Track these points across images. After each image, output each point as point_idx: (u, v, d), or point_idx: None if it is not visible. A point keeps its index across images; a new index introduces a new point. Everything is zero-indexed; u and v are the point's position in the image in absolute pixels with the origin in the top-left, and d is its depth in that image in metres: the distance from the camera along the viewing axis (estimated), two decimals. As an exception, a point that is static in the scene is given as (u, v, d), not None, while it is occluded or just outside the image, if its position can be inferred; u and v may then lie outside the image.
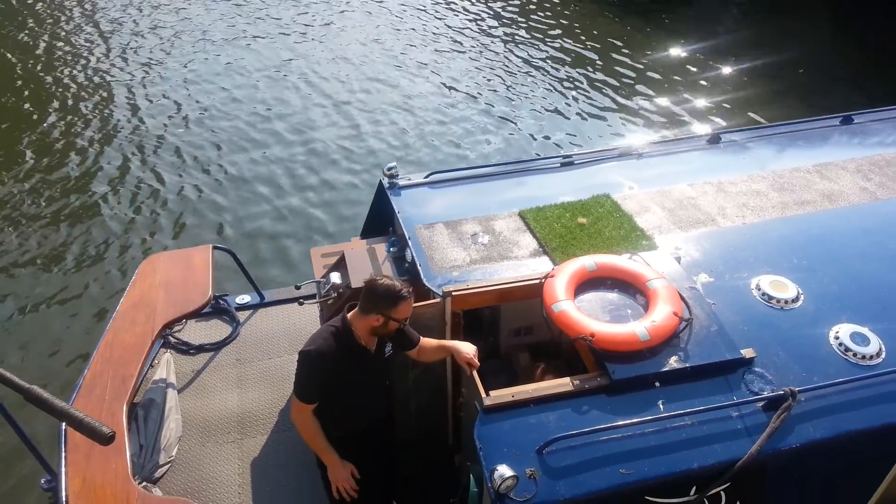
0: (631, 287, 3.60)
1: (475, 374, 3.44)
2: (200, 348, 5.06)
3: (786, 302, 3.61)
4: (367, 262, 4.46)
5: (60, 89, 11.08)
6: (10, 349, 6.44)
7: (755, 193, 4.48)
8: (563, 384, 3.22)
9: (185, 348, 5.09)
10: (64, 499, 3.43)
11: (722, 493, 3.07)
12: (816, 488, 3.27)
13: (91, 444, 3.51)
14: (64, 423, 3.59)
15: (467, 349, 3.49)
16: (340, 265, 4.54)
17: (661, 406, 3.12)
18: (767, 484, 3.12)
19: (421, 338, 3.62)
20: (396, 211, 4.42)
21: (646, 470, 2.94)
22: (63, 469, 3.55)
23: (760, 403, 3.13)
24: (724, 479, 2.98)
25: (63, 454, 3.62)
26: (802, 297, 3.65)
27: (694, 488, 3.00)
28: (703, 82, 11.10)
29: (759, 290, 3.68)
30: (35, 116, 10.27)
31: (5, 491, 5.23)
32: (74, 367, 6.15)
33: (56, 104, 10.62)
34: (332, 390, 3.39)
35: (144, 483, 3.93)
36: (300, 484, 4.23)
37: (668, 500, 3.00)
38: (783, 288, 3.68)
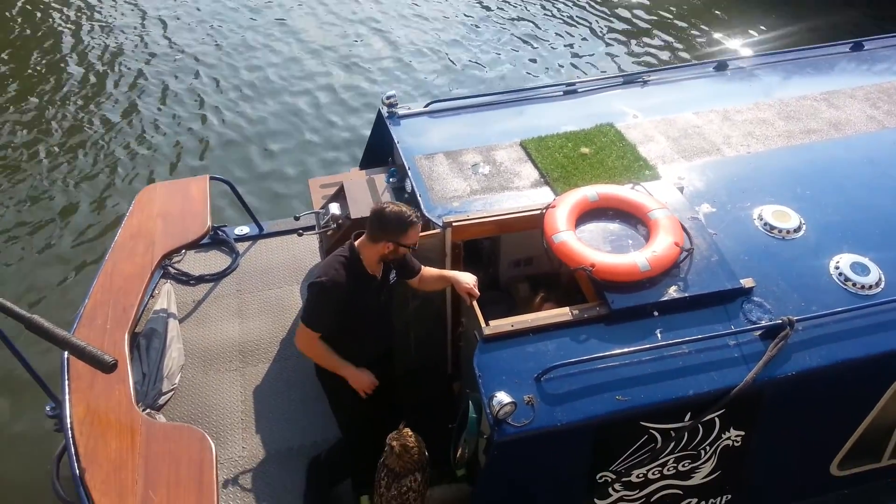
0: (632, 217, 3.57)
1: (475, 304, 3.45)
2: (200, 279, 5.07)
3: (787, 232, 3.59)
4: (366, 192, 4.42)
5: (57, 26, 10.77)
6: (8, 280, 6.46)
7: (761, 122, 4.40)
8: (563, 314, 3.23)
9: (184, 279, 5.10)
10: (69, 425, 3.49)
11: (716, 419, 3.12)
12: (810, 415, 3.34)
13: (94, 373, 3.56)
14: (66, 352, 3.65)
15: (467, 279, 3.49)
16: (339, 196, 4.50)
17: (658, 335, 3.14)
18: (762, 410, 3.17)
19: (422, 267, 3.62)
20: (396, 141, 4.35)
21: (642, 396, 2.98)
22: (67, 396, 3.60)
23: (758, 332, 3.15)
24: (719, 405, 3.02)
25: (66, 382, 3.67)
26: (804, 227, 3.62)
27: (689, 414, 3.06)
28: (716, 11, 10.78)
29: (761, 219, 3.65)
30: (34, 54, 10.02)
31: (11, 418, 5.33)
32: (74, 297, 6.18)
33: (52, 41, 10.33)
34: (342, 320, 3.40)
35: (148, 410, 3.99)
36: (302, 410, 4.31)
37: (663, 425, 3.06)
38: (785, 218, 3.65)
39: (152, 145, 8.20)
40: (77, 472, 3.31)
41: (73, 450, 3.40)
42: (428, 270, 3.63)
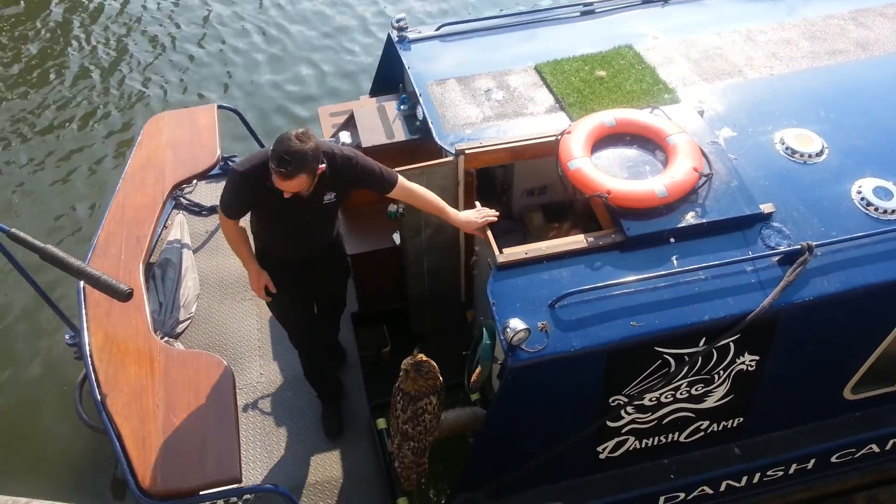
0: (650, 143, 3.48)
1: (489, 232, 3.42)
2: (212, 210, 5.06)
3: (809, 156, 3.50)
4: (377, 120, 4.34)
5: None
6: (21, 212, 6.48)
7: (785, 42, 4.23)
8: (577, 241, 3.20)
9: (196, 209, 5.09)
10: (88, 353, 3.55)
11: (731, 344, 3.12)
12: (825, 340, 3.33)
13: (111, 302, 3.60)
14: (82, 282, 3.68)
15: (472, 217, 3.41)
16: (350, 124, 4.43)
17: (674, 261, 3.11)
18: (777, 336, 3.17)
19: (407, 184, 3.39)
20: (406, 67, 4.23)
21: (657, 322, 2.98)
22: (85, 325, 3.65)
23: (776, 258, 3.11)
24: (734, 330, 3.02)
25: (84, 311, 3.71)
26: (827, 151, 3.53)
27: (703, 340, 3.06)
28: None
29: (783, 143, 3.55)
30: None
31: (31, 348, 5.43)
32: (87, 228, 6.21)
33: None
34: (257, 215, 3.39)
35: (166, 338, 4.06)
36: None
37: (677, 350, 3.06)
38: (807, 142, 3.55)
39: (159, 75, 8.06)
40: (99, 398, 3.39)
41: (93, 377, 3.47)
42: (414, 187, 3.41)
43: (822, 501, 4.28)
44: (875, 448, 3.79)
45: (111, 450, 3.26)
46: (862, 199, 3.32)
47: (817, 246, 3.09)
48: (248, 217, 3.48)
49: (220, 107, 4.92)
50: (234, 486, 3.12)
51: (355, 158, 3.31)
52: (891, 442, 3.80)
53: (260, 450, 3.87)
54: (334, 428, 4.00)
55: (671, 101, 3.79)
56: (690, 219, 3.20)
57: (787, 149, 3.53)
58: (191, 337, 4.33)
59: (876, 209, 3.28)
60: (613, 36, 4.30)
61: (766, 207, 3.24)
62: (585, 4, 4.62)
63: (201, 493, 3.10)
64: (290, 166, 2.99)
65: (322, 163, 3.13)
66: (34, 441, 4.90)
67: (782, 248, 3.12)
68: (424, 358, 3.26)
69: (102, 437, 3.53)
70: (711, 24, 4.40)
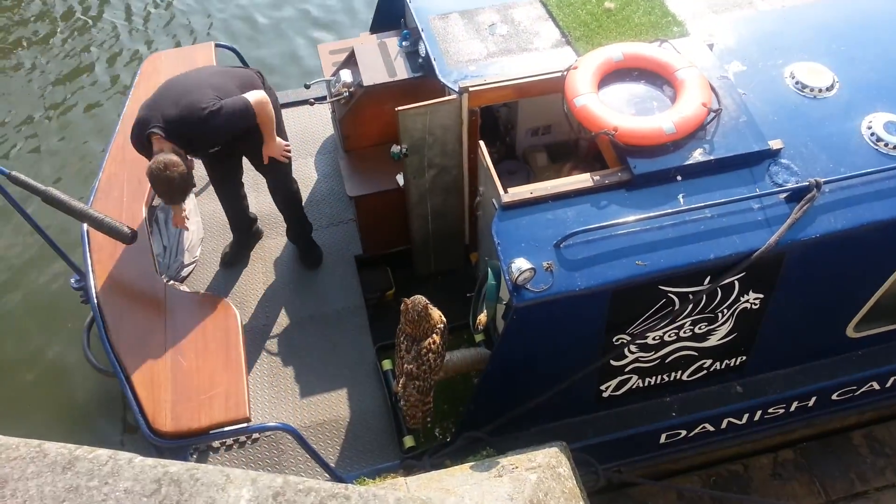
0: (659, 77, 3.40)
1: (493, 171, 3.38)
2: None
3: (819, 90, 3.43)
4: (378, 57, 4.24)
5: None
6: (21, 156, 6.42)
7: (799, -27, 4.09)
8: (583, 180, 3.16)
9: (197, 152, 5.03)
10: (94, 296, 3.56)
11: (735, 282, 3.12)
12: (830, 278, 3.33)
13: (115, 245, 3.60)
14: (85, 224, 3.67)
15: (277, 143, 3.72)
16: (350, 62, 4.33)
17: (681, 199, 3.08)
18: (782, 273, 3.16)
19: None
20: (407, 0, 4.11)
21: (662, 261, 2.97)
22: (90, 268, 3.65)
23: (783, 195, 3.08)
24: (739, 269, 3.01)
25: (88, 254, 3.71)
26: (837, 86, 3.45)
27: (708, 278, 3.05)
28: None
29: (793, 78, 3.47)
30: None
31: (37, 293, 5.45)
32: (89, 171, 6.17)
33: None
34: None
35: (171, 282, 4.06)
36: (321, 280, 4.38)
37: (681, 288, 3.06)
38: (818, 76, 3.47)
39: (154, 13, 7.87)
40: (107, 340, 3.41)
41: (100, 320, 3.49)
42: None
43: (822, 438, 4.36)
44: (876, 385, 3.83)
45: (121, 392, 3.31)
46: (872, 134, 3.26)
47: (825, 182, 3.06)
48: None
49: (217, 45, 4.81)
50: (243, 424, 3.17)
51: (206, 115, 3.46)
52: (892, 379, 3.83)
53: (268, 390, 3.93)
54: (229, 256, 4.42)
55: (680, 34, 3.69)
56: (698, 156, 3.15)
57: (797, 83, 3.46)
58: (196, 280, 4.34)
59: (886, 144, 3.23)
60: (621, -33, 4.15)
61: (774, 143, 3.19)
62: (592, -66, 4.45)
63: (211, 431, 3.15)
64: (179, 198, 3.57)
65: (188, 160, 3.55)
66: (44, 385, 4.97)
67: (790, 185, 3.09)
68: (421, 299, 3.24)
69: (112, 379, 3.58)
70: (723, -46, 4.25)
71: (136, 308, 3.53)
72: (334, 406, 3.87)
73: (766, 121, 3.29)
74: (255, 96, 3.61)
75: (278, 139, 3.81)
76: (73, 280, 3.78)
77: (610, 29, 3.73)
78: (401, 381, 3.44)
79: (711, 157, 3.14)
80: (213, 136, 3.58)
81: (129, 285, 3.59)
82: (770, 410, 3.75)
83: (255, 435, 3.66)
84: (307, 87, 4.47)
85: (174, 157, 3.38)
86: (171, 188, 3.40)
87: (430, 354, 3.27)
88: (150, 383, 3.25)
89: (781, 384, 3.70)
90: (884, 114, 3.33)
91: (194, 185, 3.75)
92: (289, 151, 3.90)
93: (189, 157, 3.64)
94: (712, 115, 3.23)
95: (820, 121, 3.33)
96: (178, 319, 3.45)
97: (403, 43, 4.24)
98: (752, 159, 3.17)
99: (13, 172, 3.22)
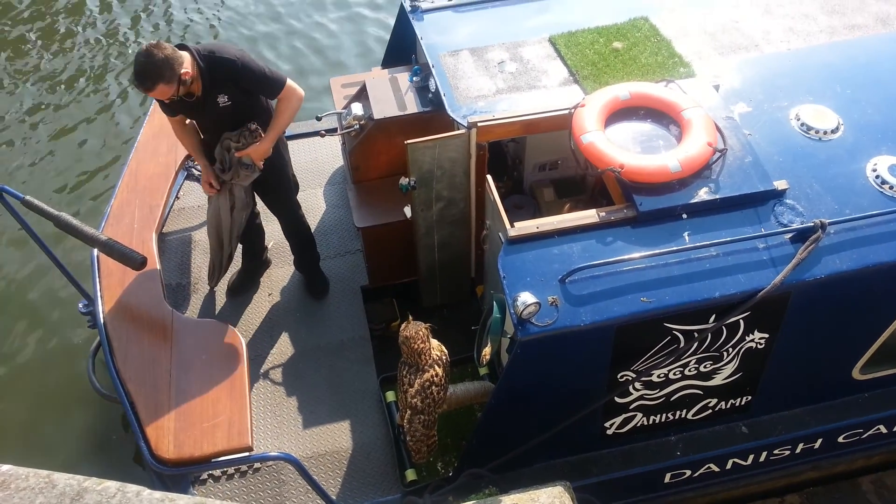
0: (665, 117, 3.45)
1: (500, 205, 3.41)
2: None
3: (825, 132, 3.46)
4: (389, 91, 4.32)
5: None
6: (35, 181, 6.50)
7: (803, 16, 4.16)
8: (589, 216, 3.19)
9: (209, 181, 5.09)
10: (102, 322, 3.59)
11: (741, 321, 3.12)
12: (836, 319, 3.32)
13: (124, 271, 3.63)
14: (95, 250, 3.71)
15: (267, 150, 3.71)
16: (362, 95, 4.41)
17: (686, 237, 3.10)
18: (788, 314, 3.16)
19: (288, 95, 3.67)
20: (419, 37, 4.19)
21: (667, 298, 2.98)
22: (98, 293, 3.68)
23: (789, 235, 3.09)
24: (744, 307, 3.01)
25: (97, 279, 3.74)
26: (842, 128, 3.49)
27: (714, 316, 3.05)
28: None
29: (798, 119, 3.51)
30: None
31: (46, 317, 5.48)
32: (102, 198, 6.24)
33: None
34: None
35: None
36: (328, 310, 4.40)
37: (687, 326, 3.06)
38: (823, 118, 3.51)
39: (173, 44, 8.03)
40: (112, 366, 3.43)
41: (107, 345, 3.50)
42: (287, 105, 3.70)
43: (828, 483, 4.30)
44: (883, 429, 3.80)
45: (125, 417, 3.30)
46: (877, 177, 3.29)
47: (830, 223, 3.07)
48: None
49: None
50: (246, 453, 3.16)
51: (239, 60, 3.53)
52: (899, 422, 3.80)
53: (271, 419, 3.92)
54: (236, 285, 4.43)
55: (687, 74, 3.75)
56: (703, 195, 3.17)
57: (802, 125, 3.49)
58: (203, 308, 4.36)
59: (891, 187, 3.25)
60: (629, 8, 4.23)
61: (779, 184, 3.22)
62: (601, -24, 4.54)
63: (213, 460, 3.14)
64: (147, 81, 3.33)
65: (185, 68, 3.40)
66: (48, 409, 4.96)
67: (795, 226, 3.10)
68: (417, 326, 3.26)
69: (116, 404, 3.59)
70: (729, -3, 4.33)
71: (142, 334, 3.55)
72: (337, 437, 3.86)
73: (771, 161, 3.32)
74: (293, 85, 3.69)
75: (267, 151, 3.77)
76: (81, 305, 3.81)
77: (617, 68, 3.79)
78: (406, 416, 3.43)
79: (717, 196, 3.17)
80: (237, 73, 3.53)
81: (136, 311, 3.61)
82: (776, 452, 3.72)
83: (257, 464, 3.64)
84: (318, 119, 4.54)
85: (166, 44, 3.39)
86: (146, 64, 3.30)
87: (434, 388, 3.27)
88: (154, 410, 3.25)
89: (787, 425, 3.67)
90: (888, 157, 3.35)
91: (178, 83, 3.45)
92: (261, 166, 3.82)
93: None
94: (718, 154, 3.26)
95: (825, 162, 3.36)
96: (184, 346, 3.47)
97: (414, 78, 4.32)
98: (758, 199, 3.19)
99: (27, 197, 3.27)
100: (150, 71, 3.31)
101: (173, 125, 3.85)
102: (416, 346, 3.24)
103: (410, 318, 3.36)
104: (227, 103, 3.63)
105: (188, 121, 3.83)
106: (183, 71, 3.40)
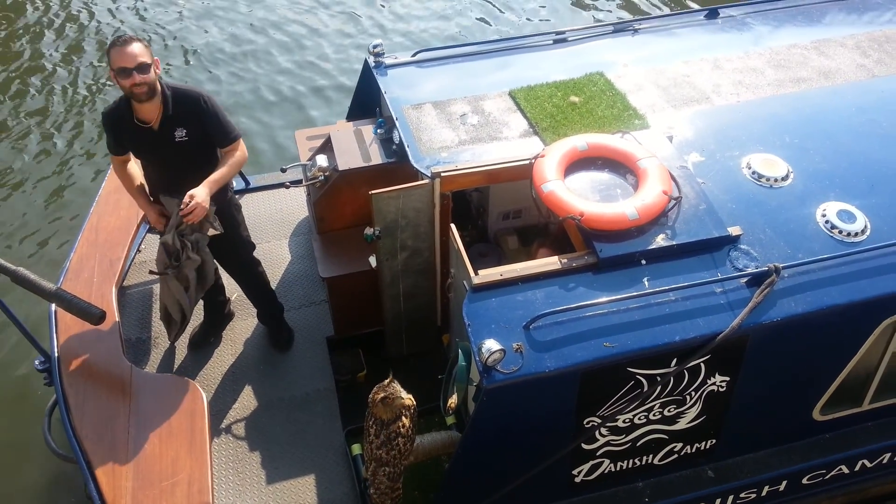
0: (621, 166, 3.55)
1: (464, 253, 3.45)
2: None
3: (775, 180, 3.59)
4: (353, 143, 4.38)
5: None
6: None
7: (751, 70, 4.36)
8: (551, 263, 3.24)
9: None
10: (59, 378, 3.50)
11: (702, 364, 3.17)
12: (794, 361, 3.39)
13: (83, 326, 3.57)
14: (54, 305, 3.64)
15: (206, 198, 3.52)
16: (327, 147, 4.46)
17: (646, 283, 3.16)
18: (747, 356, 3.22)
19: (237, 149, 3.69)
20: (383, 91, 4.28)
21: (629, 343, 3.02)
22: (55, 350, 3.60)
23: (744, 279, 3.18)
24: (704, 351, 3.06)
25: (55, 335, 3.66)
26: (792, 176, 3.63)
27: (675, 360, 3.10)
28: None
29: (750, 168, 3.65)
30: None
31: (0, 372, 5.31)
32: (60, 251, 6.13)
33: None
34: (134, 156, 3.76)
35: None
36: (291, 363, 4.34)
37: (649, 370, 3.10)
38: (773, 166, 3.65)
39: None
40: (69, 424, 3.33)
41: (63, 403, 3.41)
42: (235, 157, 3.68)
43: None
44: (845, 469, 3.85)
45: (81, 478, 3.20)
46: (826, 222, 3.41)
47: (784, 267, 3.16)
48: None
49: None
50: (206, 512, 3.07)
51: (204, 98, 3.60)
52: (860, 463, 3.85)
53: (233, 476, 3.82)
54: (198, 338, 4.37)
55: (641, 126, 3.88)
56: (661, 241, 3.26)
57: (753, 173, 3.63)
58: (164, 362, 4.28)
59: (840, 232, 3.37)
60: (585, 63, 4.40)
61: (733, 230, 3.32)
62: (558, 33, 4.73)
63: (172, 520, 3.05)
64: (124, 37, 3.40)
65: (158, 67, 3.49)
66: (1, 473, 4.77)
67: (750, 270, 3.19)
68: (394, 387, 3.23)
69: (73, 464, 3.47)
70: (680, 53, 4.53)
71: (100, 391, 3.46)
72: (301, 493, 3.77)
73: (725, 208, 3.43)
74: (242, 143, 3.75)
75: (205, 202, 3.53)
76: (37, 361, 3.70)
77: (575, 120, 3.91)
78: (370, 468, 3.38)
79: (674, 243, 3.25)
80: (200, 109, 3.57)
81: (94, 367, 3.53)
82: (742, 495, 3.73)
83: (219, 524, 3.54)
84: (283, 170, 4.57)
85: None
86: (124, 35, 3.45)
87: (400, 439, 3.23)
88: (112, 469, 3.15)
89: (752, 468, 3.70)
90: (836, 202, 3.49)
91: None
92: (190, 214, 3.50)
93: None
94: (673, 202, 3.36)
95: (776, 209, 3.48)
96: (143, 402, 3.39)
97: (378, 130, 4.39)
98: (713, 245, 3.28)
99: (-17, 252, 3.22)
100: (129, 37, 3.43)
101: (116, 165, 3.77)
102: (387, 405, 3.20)
103: (391, 377, 3.29)
104: (185, 138, 3.58)
105: (131, 161, 3.79)
106: (155, 59, 3.49)
